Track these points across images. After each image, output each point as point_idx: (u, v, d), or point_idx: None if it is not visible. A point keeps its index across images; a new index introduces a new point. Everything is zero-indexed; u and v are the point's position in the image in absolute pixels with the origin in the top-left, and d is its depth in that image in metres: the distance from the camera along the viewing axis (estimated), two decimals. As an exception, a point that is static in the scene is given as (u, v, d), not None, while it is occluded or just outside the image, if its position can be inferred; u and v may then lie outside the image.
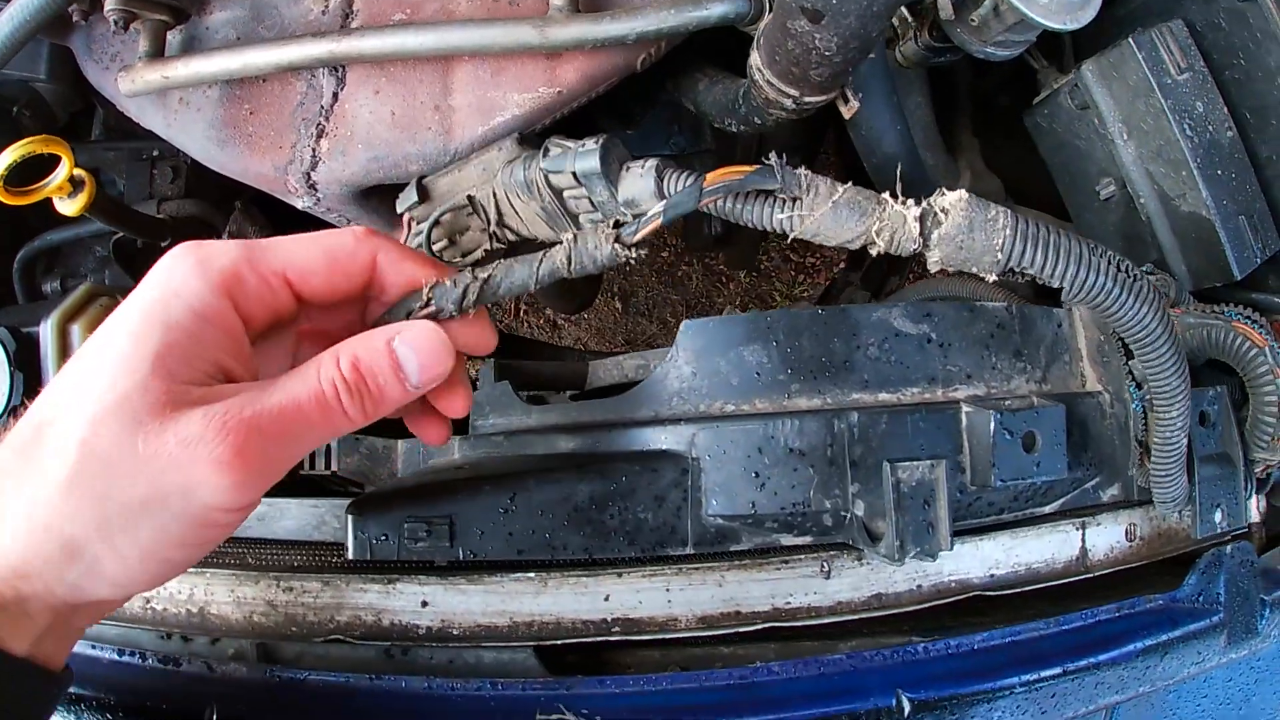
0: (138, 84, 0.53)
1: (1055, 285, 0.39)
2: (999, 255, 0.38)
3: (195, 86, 0.54)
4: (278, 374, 0.36)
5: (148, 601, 0.48)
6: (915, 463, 0.41)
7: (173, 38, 0.55)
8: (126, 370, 0.31)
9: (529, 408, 0.52)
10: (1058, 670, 0.46)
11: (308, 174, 0.54)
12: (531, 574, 0.44)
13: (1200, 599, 0.51)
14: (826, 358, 0.45)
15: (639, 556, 0.44)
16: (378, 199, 0.59)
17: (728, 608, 0.45)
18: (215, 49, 0.53)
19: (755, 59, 0.46)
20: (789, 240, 0.40)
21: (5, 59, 0.51)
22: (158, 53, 0.54)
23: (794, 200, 0.37)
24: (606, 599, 0.44)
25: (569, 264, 0.40)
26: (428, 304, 0.39)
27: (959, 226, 0.37)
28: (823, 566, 0.46)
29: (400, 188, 0.58)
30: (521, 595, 0.44)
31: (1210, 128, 0.53)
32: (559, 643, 0.43)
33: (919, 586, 0.48)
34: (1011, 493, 0.47)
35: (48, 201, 0.55)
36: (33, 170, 0.51)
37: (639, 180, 0.41)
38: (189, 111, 0.55)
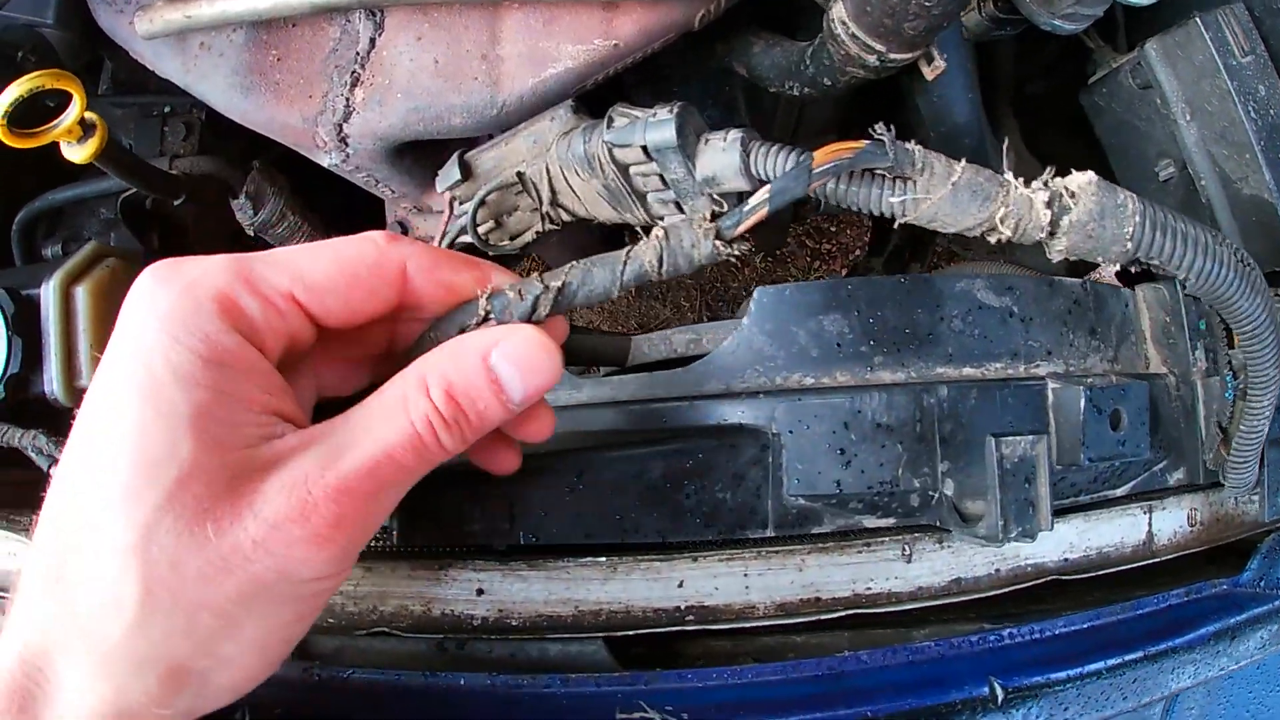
0: (156, 24, 0.46)
1: (1179, 276, 0.36)
2: (1128, 245, 0.34)
3: (219, 29, 0.48)
4: (304, 415, 0.29)
5: None
6: (1017, 438, 0.38)
7: (194, -26, 0.48)
8: (165, 451, 0.25)
9: (580, 381, 0.47)
10: (1139, 654, 0.42)
11: (339, 126, 0.48)
12: (602, 558, 0.39)
13: (1262, 583, 0.49)
14: (910, 329, 0.41)
15: (715, 539, 0.39)
16: (411, 158, 0.53)
17: (807, 594, 0.41)
18: (243, -13, 0.47)
19: (839, 12, 0.41)
20: (900, 222, 0.34)
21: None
22: (178, -11, 0.47)
23: (906, 181, 0.32)
24: (680, 585, 0.39)
25: (660, 265, 0.33)
26: (485, 319, 0.32)
27: (1090, 212, 0.33)
28: (904, 550, 0.42)
29: (438, 144, 0.52)
30: (589, 582, 0.39)
31: (1272, 111, 0.51)
32: (632, 633, 0.38)
33: (997, 571, 0.44)
34: (1092, 473, 0.44)
35: (47, 162, 0.48)
36: (37, 117, 0.44)
37: (721, 155, 0.35)
38: (210, 57, 0.48)
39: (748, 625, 0.40)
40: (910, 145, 0.32)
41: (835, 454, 0.39)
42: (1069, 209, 0.32)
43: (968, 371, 0.42)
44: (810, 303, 0.42)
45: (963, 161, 0.33)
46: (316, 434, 0.27)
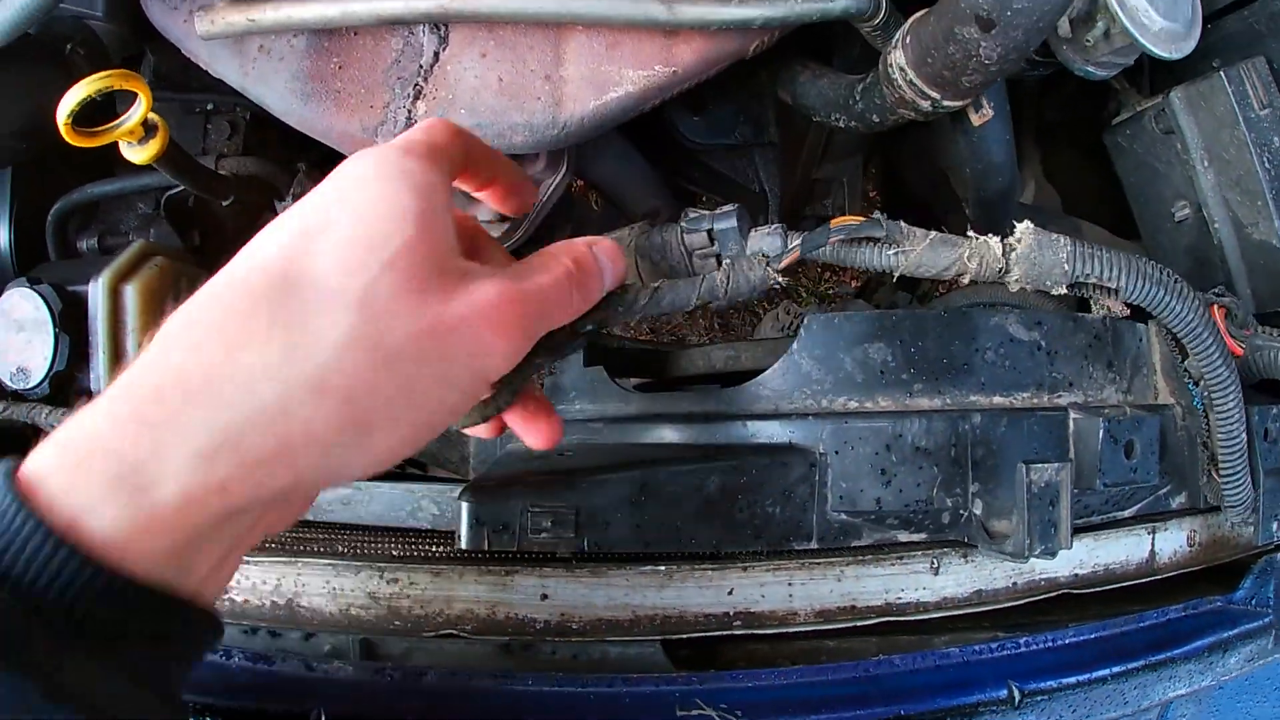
0: (217, 25, 0.50)
1: (1114, 287, 0.47)
2: (1065, 267, 0.46)
3: (280, 34, 0.51)
4: None
5: (224, 592, 0.46)
6: (1045, 465, 0.44)
7: (258, -22, 0.52)
8: (393, 228, 0.29)
9: (629, 395, 0.52)
10: (1141, 663, 0.49)
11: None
12: (661, 566, 0.44)
13: (1253, 602, 0.56)
14: (948, 359, 0.47)
15: (764, 550, 0.45)
16: (463, 170, 0.57)
17: (844, 602, 0.46)
18: (310, -6, 0.50)
19: (898, 58, 0.47)
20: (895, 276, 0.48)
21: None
22: (242, -7, 0.50)
23: (896, 243, 0.45)
24: (730, 593, 0.45)
25: (727, 284, 0.44)
26: (600, 305, 0.40)
27: (1031, 247, 0.46)
28: (932, 563, 0.48)
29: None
30: (646, 588, 0.44)
31: (1284, 161, 0.58)
32: (685, 636, 0.44)
33: (1014, 584, 0.51)
34: (1105, 496, 0.51)
35: (70, 153, 0.51)
36: (89, 115, 0.47)
37: (766, 237, 0.48)
38: (270, 61, 0.52)
39: (789, 630, 0.46)
40: (898, 222, 0.45)
41: (877, 474, 0.45)
42: (1015, 247, 0.45)
43: (997, 400, 0.48)
44: (858, 332, 0.47)
45: (934, 230, 0.45)
46: (490, 269, 0.32)
